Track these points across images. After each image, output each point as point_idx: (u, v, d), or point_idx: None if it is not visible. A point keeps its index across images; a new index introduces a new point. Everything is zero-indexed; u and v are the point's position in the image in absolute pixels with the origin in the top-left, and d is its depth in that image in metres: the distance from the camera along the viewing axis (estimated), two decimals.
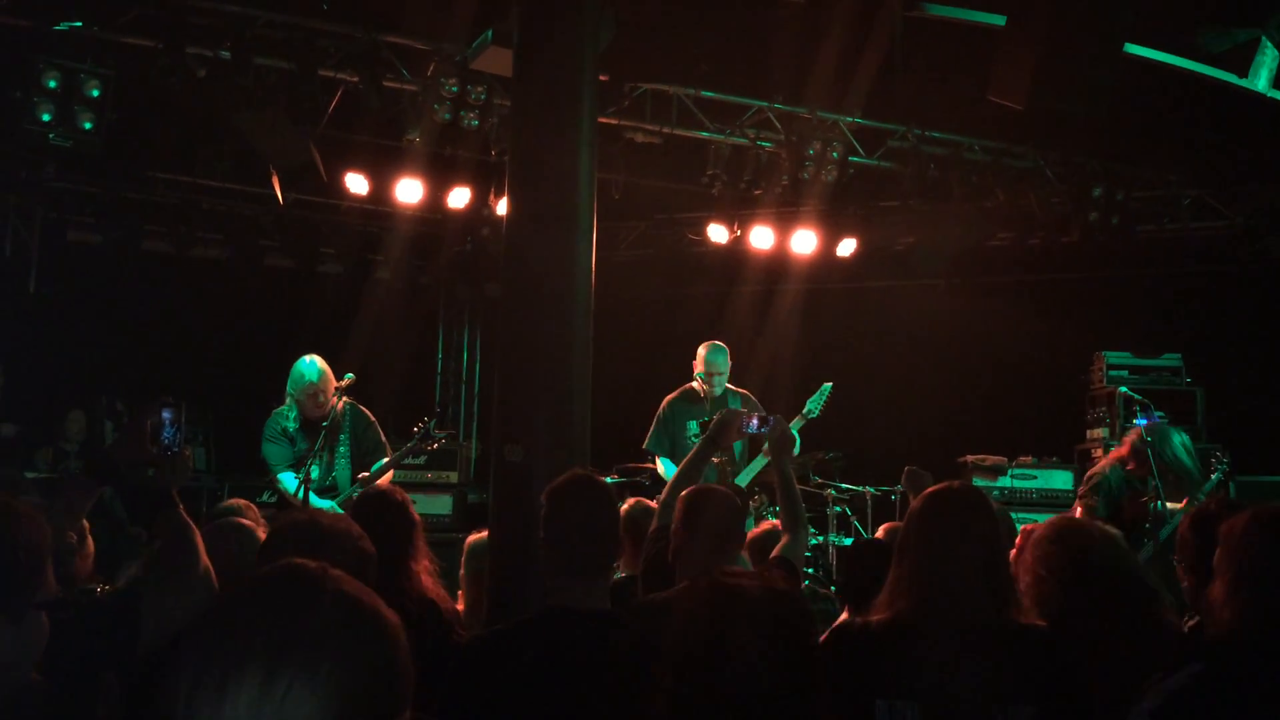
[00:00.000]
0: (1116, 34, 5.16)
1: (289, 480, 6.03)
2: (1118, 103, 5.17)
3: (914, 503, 2.79)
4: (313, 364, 6.16)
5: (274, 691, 1.12)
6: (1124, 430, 8.52)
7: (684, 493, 3.55)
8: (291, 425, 6.15)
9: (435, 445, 6.54)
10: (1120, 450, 6.31)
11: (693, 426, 7.06)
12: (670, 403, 7.17)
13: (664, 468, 7.06)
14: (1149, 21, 6.03)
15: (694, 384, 7.17)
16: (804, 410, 7.17)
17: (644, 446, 7.21)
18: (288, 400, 6.18)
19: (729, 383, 7.11)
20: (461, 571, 4.57)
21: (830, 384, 7.21)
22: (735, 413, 4.50)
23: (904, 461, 4.59)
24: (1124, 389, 8.26)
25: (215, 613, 1.21)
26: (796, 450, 7.04)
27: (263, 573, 1.27)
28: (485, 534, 4.50)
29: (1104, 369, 9.29)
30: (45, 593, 1.94)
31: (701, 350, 7.11)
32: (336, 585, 1.22)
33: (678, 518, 3.41)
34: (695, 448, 4.31)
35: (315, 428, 6.07)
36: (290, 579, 1.23)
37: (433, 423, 6.49)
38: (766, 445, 4.89)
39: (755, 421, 4.36)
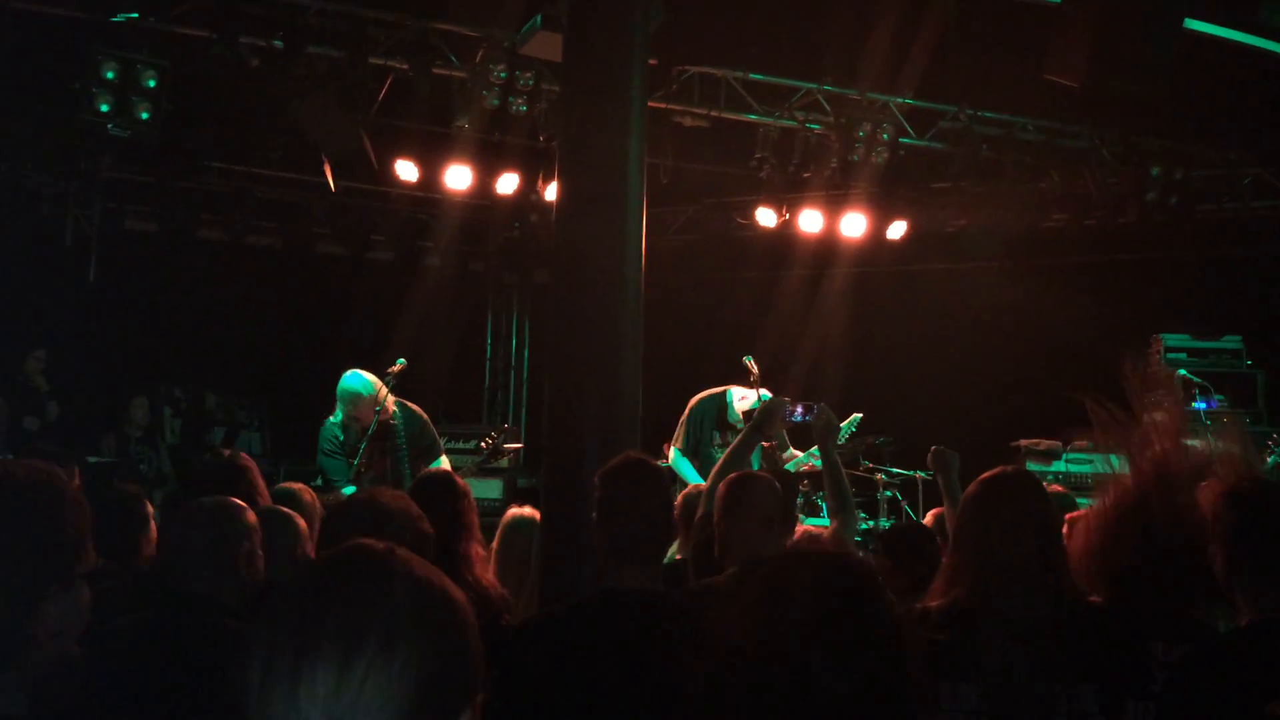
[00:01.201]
0: (1175, 9, 5.05)
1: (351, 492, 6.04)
2: (1176, 79, 5.06)
3: (968, 489, 2.77)
4: (360, 377, 6.11)
5: (350, 680, 1.09)
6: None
7: (724, 480, 3.52)
8: (349, 438, 6.14)
9: (504, 459, 6.57)
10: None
11: (717, 436, 6.96)
12: (701, 403, 7.06)
13: (675, 459, 6.96)
14: None
15: (735, 393, 7.03)
16: None
17: (677, 446, 7.00)
18: (339, 414, 6.12)
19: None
20: (495, 544, 4.22)
21: (860, 415, 7.12)
22: (780, 401, 4.47)
23: (956, 446, 4.51)
24: (1182, 371, 8.09)
25: (284, 599, 1.17)
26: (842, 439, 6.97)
27: (329, 556, 1.23)
28: (524, 510, 4.33)
29: (1162, 351, 9.10)
30: (87, 564, 2.02)
31: (758, 391, 6.82)
32: (406, 567, 1.18)
33: (718, 506, 3.37)
34: (740, 434, 4.27)
35: (366, 435, 6.09)
36: (358, 562, 1.19)
37: (502, 439, 6.52)
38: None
39: (800, 409, 4.34)
